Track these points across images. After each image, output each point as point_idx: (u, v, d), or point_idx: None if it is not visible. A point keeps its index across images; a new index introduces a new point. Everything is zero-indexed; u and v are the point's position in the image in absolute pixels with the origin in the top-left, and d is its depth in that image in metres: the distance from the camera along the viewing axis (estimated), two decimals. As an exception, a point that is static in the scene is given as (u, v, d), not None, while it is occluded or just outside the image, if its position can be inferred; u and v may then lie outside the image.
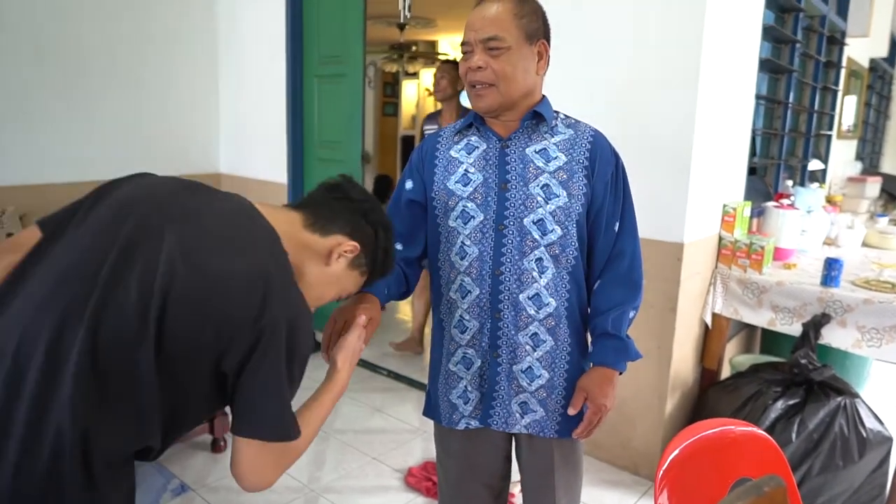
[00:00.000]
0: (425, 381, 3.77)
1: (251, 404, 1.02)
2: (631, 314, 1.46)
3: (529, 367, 1.43)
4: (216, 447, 2.87)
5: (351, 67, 3.82)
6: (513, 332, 1.42)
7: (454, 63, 3.65)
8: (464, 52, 1.37)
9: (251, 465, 1.04)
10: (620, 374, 1.44)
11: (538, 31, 1.37)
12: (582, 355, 1.49)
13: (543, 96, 1.44)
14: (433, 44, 10.07)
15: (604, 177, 1.41)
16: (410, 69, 10.19)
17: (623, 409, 2.76)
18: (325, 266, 1.19)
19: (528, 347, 1.42)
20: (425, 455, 2.88)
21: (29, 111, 3.64)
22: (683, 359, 2.74)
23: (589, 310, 1.50)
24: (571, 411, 1.40)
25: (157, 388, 0.98)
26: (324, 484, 2.66)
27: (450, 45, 10.00)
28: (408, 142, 10.73)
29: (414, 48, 9.62)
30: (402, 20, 5.22)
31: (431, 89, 10.57)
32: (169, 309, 0.97)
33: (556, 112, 1.45)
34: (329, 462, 2.82)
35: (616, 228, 1.45)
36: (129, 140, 4.11)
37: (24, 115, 3.61)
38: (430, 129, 3.71)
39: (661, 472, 1.18)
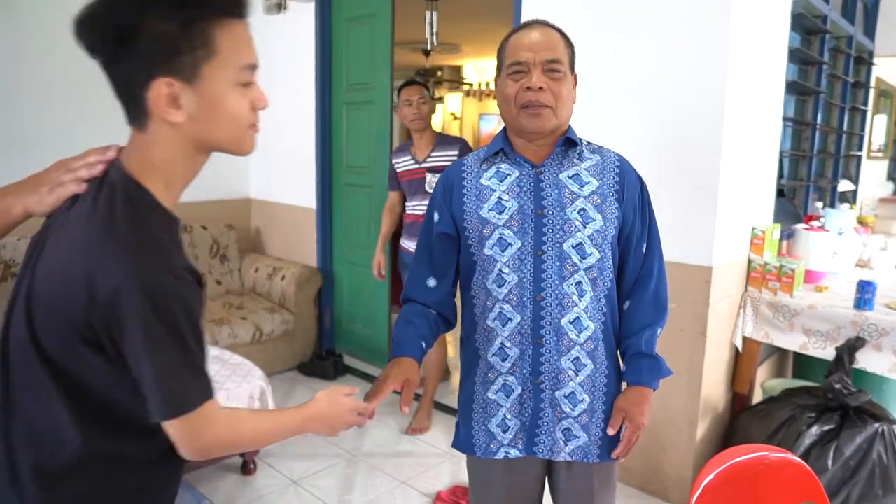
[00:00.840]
0: (454, 405, 3.75)
1: (146, 385, 0.95)
2: (659, 332, 1.51)
3: (572, 392, 1.43)
4: (246, 469, 2.90)
5: (379, 94, 3.89)
6: (555, 358, 1.41)
7: (427, 87, 3.44)
8: (515, 72, 1.37)
9: (178, 441, 0.99)
10: (654, 391, 1.47)
11: (573, 63, 1.43)
12: (617, 376, 1.51)
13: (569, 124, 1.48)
14: (458, 69, 10.19)
15: (632, 199, 1.46)
16: (436, 94, 10.30)
17: (654, 435, 2.73)
18: (160, 134, 1.04)
19: (570, 372, 1.42)
20: (454, 479, 2.88)
21: (69, 138, 3.75)
22: (714, 383, 2.71)
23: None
24: (611, 432, 1.43)
25: (55, 388, 0.98)
26: (352, 507, 2.67)
27: (475, 69, 10.11)
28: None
29: (439, 73, 9.74)
30: (429, 47, 5.31)
31: (456, 114, 10.66)
32: (34, 311, 0.99)
33: (580, 139, 1.48)
34: (358, 485, 2.83)
35: (643, 249, 1.50)
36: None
37: (59, 138, 3.70)
38: (403, 161, 3.36)
39: (695, 498, 1.17)
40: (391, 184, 3.48)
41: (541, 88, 1.35)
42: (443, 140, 3.35)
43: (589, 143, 1.49)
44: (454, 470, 2.96)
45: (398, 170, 3.40)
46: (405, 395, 1.32)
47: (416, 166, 3.32)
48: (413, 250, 2.92)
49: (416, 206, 3.34)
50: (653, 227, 1.51)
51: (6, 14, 3.46)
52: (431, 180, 3.24)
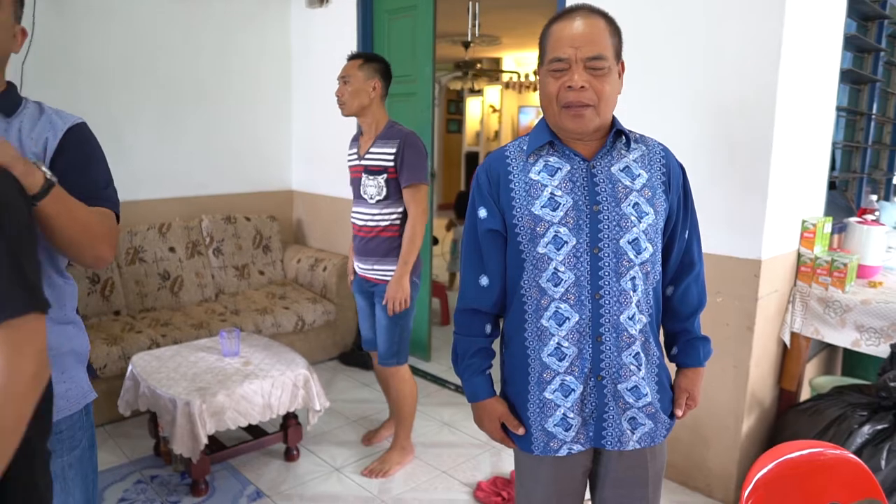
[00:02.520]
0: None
1: None
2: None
3: (636, 385, 1.41)
4: (289, 456, 2.95)
5: (420, 86, 3.90)
6: (615, 354, 1.39)
7: (367, 58, 2.70)
8: (556, 69, 1.32)
9: None
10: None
11: (621, 48, 1.37)
12: (663, 362, 1.51)
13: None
14: (497, 61, 10.14)
15: (677, 189, 1.44)
16: (476, 86, 10.27)
17: (698, 430, 2.69)
18: None
19: (632, 367, 1.40)
20: (494, 470, 2.88)
21: (121, 135, 3.88)
22: (761, 379, 2.66)
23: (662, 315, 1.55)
24: (680, 414, 1.52)
25: None
26: (394, 495, 2.69)
27: (514, 61, 10.05)
28: (472, 158, 10.81)
29: (478, 65, 9.71)
30: (469, 39, 5.29)
31: (495, 106, 10.63)
32: None
33: (624, 127, 1.44)
34: (399, 474, 2.85)
35: (686, 236, 1.50)
36: (209, 161, 4.32)
37: (117, 138, 3.85)
38: (350, 153, 2.80)
39: (747, 492, 1.15)
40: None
41: (582, 87, 1.29)
42: (387, 133, 2.66)
43: (631, 131, 1.45)
44: (494, 461, 2.96)
45: (347, 163, 2.81)
46: (511, 424, 1.49)
47: (357, 162, 2.72)
48: (360, 270, 2.75)
49: (355, 215, 2.75)
50: (693, 217, 1.52)
51: (57, 2, 3.56)
52: (365, 183, 2.66)
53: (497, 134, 10.75)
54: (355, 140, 2.81)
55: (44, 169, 1.13)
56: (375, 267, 2.72)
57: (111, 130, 3.82)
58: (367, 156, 2.67)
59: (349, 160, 2.81)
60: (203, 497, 2.66)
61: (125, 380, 2.85)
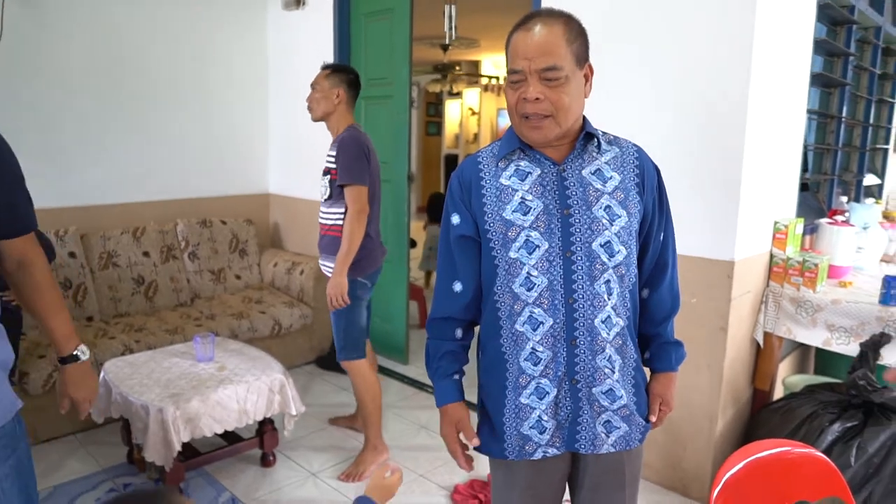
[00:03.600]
0: (472, 399, 3.73)
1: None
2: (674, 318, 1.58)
3: (610, 388, 1.41)
4: (266, 462, 2.92)
5: (397, 89, 3.89)
6: (590, 357, 1.39)
7: (334, 69, 2.87)
8: (513, 81, 1.32)
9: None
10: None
11: (585, 53, 1.34)
12: (640, 364, 1.51)
13: (583, 115, 1.42)
14: (476, 64, 10.16)
15: (651, 191, 1.44)
16: (454, 89, 10.28)
17: (673, 430, 2.71)
18: None
19: (606, 370, 1.40)
20: (471, 473, 2.88)
21: (93, 137, 3.82)
22: (734, 379, 2.69)
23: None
24: (653, 419, 1.51)
25: None
26: (371, 500, 2.67)
27: (493, 64, 10.08)
28: (451, 161, 10.82)
29: (457, 68, 9.72)
30: (447, 41, 5.29)
31: (474, 109, 10.65)
32: None
33: (596, 130, 1.43)
34: (375, 478, 2.83)
35: (661, 237, 1.50)
36: (184, 163, 4.27)
37: (87, 143, 3.80)
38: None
39: (716, 492, 1.16)
40: None
41: (537, 99, 1.29)
42: (338, 137, 2.81)
43: (604, 133, 1.45)
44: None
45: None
46: (466, 434, 1.48)
47: (328, 165, 2.84)
48: (327, 270, 2.86)
49: (323, 215, 2.88)
50: (668, 217, 1.51)
51: (28, 1, 3.50)
52: (321, 185, 2.82)
53: (476, 136, 10.78)
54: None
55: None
56: (324, 263, 2.89)
57: (82, 132, 3.77)
58: (327, 158, 2.82)
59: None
60: (177, 504, 2.62)
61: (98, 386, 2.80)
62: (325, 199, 2.82)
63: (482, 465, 2.93)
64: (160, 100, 4.09)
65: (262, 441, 2.90)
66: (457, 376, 1.52)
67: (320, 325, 4.18)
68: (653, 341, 1.56)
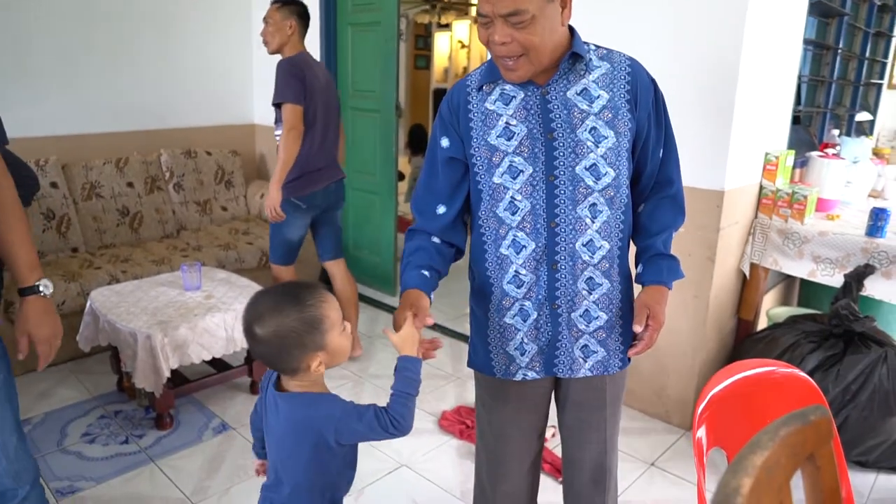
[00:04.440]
0: (458, 329, 3.75)
1: None
2: (674, 234, 1.51)
3: (586, 310, 1.42)
4: (254, 389, 2.96)
5: (385, 15, 3.76)
6: (570, 281, 1.39)
7: (283, 4, 2.92)
8: (483, 23, 1.27)
9: None
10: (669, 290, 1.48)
11: None
12: (632, 291, 1.50)
13: (571, 30, 1.35)
14: (466, -6, 9.86)
15: (646, 106, 1.38)
16: (443, 20, 10.01)
17: (657, 358, 2.75)
18: None
19: (584, 293, 1.41)
20: (458, 400, 2.93)
21: (68, 63, 3.69)
22: (720, 309, 2.72)
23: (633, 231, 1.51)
24: (637, 328, 1.38)
25: None
26: (360, 426, 2.72)
27: (483, -6, 9.76)
28: (440, 95, 10.61)
29: (447, -2, 9.43)
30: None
31: (463, 42, 10.38)
32: None
33: (587, 44, 1.37)
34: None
35: (660, 155, 1.45)
36: (167, 92, 4.15)
37: (63, 67, 3.66)
38: None
39: (701, 408, 1.18)
40: None
41: (504, 43, 1.24)
42: (278, 66, 2.90)
43: (598, 47, 1.39)
44: (459, 391, 3.01)
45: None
46: (419, 320, 1.31)
47: None
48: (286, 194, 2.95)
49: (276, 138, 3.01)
50: (669, 131, 1.45)
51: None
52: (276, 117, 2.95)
53: (466, 70, 10.55)
54: None
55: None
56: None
57: (62, 59, 3.63)
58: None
59: None
60: (168, 430, 2.66)
61: (84, 315, 2.79)
62: (275, 122, 2.97)
63: (468, 392, 2.98)
64: (141, 26, 3.94)
65: (250, 369, 2.92)
66: (426, 272, 1.43)
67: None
68: (644, 254, 1.50)
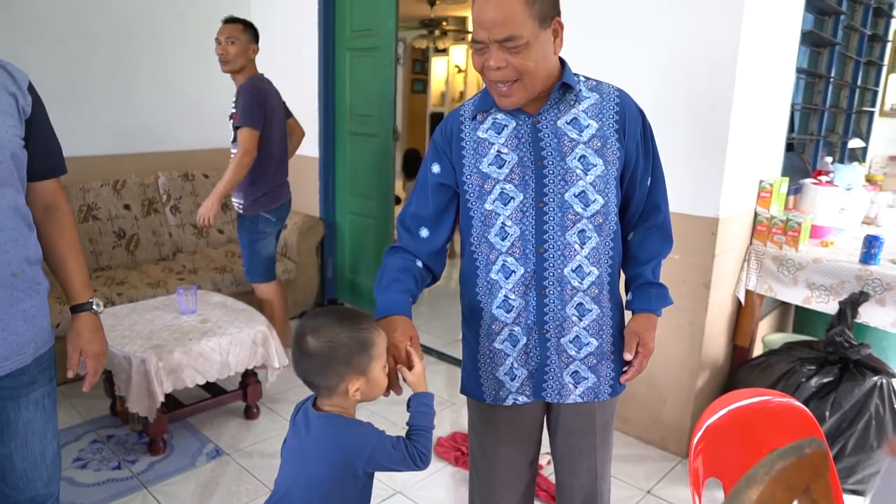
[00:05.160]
0: (454, 354, 3.74)
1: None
2: (662, 261, 1.55)
3: (577, 336, 1.43)
4: (249, 414, 2.94)
5: (383, 40, 3.81)
6: (559, 307, 1.41)
7: (246, 25, 3.08)
8: (478, 50, 1.29)
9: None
10: (658, 318, 1.52)
11: (550, 9, 1.28)
12: (623, 318, 1.51)
13: (562, 62, 1.38)
14: (463, 20, 9.98)
15: (634, 136, 1.41)
16: (440, 45, 10.12)
17: (653, 385, 2.75)
18: None
19: (574, 318, 1.42)
20: (453, 426, 2.91)
21: (67, 85, 3.71)
22: (715, 336, 2.72)
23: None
24: (628, 356, 1.41)
25: None
26: (354, 451, 2.70)
27: (480, 20, 9.87)
28: (436, 119, 10.69)
29: (444, 24, 9.55)
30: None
31: (460, 67, 10.49)
32: None
33: (577, 75, 1.41)
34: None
35: (648, 183, 1.48)
36: (164, 114, 4.18)
37: (61, 88, 3.69)
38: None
39: (697, 437, 1.18)
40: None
41: (499, 68, 1.26)
42: (243, 88, 3.04)
43: (587, 79, 1.42)
44: (454, 417, 3.00)
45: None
46: (414, 350, 1.31)
47: (232, 110, 3.11)
48: (237, 204, 3.18)
49: (232, 156, 3.10)
50: (656, 160, 1.49)
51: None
52: (230, 127, 3.09)
53: (462, 94, 10.63)
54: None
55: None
56: (234, 199, 3.22)
57: (60, 81, 3.66)
58: (232, 107, 3.10)
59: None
60: (161, 455, 2.63)
61: (78, 338, 2.78)
62: (232, 142, 3.09)
63: (464, 419, 2.96)
64: (140, 47, 3.97)
65: (245, 394, 2.91)
66: (410, 298, 1.42)
67: (304, 280, 4.17)
68: (633, 282, 1.53)
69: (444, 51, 10.46)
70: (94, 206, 3.72)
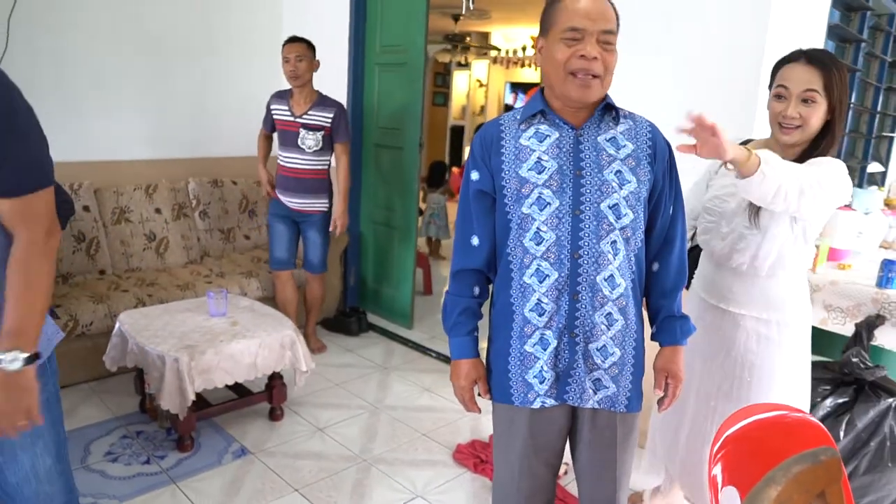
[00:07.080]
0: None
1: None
2: (682, 293, 1.64)
3: (604, 345, 1.50)
4: (274, 415, 3.02)
5: (412, 56, 3.92)
6: (590, 312, 1.47)
7: (308, 43, 3.52)
8: (570, 38, 1.39)
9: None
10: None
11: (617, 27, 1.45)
12: (643, 331, 1.58)
13: None
14: (485, 35, 10.10)
15: (662, 163, 1.52)
16: (463, 60, 10.23)
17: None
18: None
19: (602, 326, 1.49)
20: (473, 434, 2.98)
21: (106, 91, 3.85)
22: (732, 353, 2.76)
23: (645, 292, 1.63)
24: (658, 392, 1.58)
25: None
26: (375, 455, 2.78)
27: (503, 37, 10.02)
28: (457, 132, 10.80)
29: (467, 39, 9.67)
30: (464, 12, 5.30)
31: (482, 81, 10.58)
32: None
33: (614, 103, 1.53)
34: (381, 435, 2.94)
35: (671, 211, 1.57)
36: (197, 122, 4.30)
37: (101, 95, 3.82)
38: (280, 109, 3.58)
39: (717, 446, 1.24)
40: (266, 123, 3.73)
41: (595, 58, 1.38)
42: (322, 101, 3.55)
43: (621, 108, 1.53)
44: (473, 425, 3.06)
45: (274, 116, 3.63)
46: (482, 387, 1.61)
47: (292, 119, 3.54)
48: (285, 202, 3.62)
49: (288, 160, 3.58)
50: (678, 193, 1.58)
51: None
52: (304, 137, 3.50)
53: (483, 109, 10.76)
54: (283, 98, 3.60)
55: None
56: (308, 201, 3.59)
57: (98, 88, 3.79)
58: (306, 116, 3.51)
59: (280, 115, 3.58)
60: (189, 452, 2.72)
61: (112, 336, 2.88)
62: (316, 151, 3.52)
63: (483, 427, 3.03)
64: (175, 56, 4.10)
65: (270, 395, 2.99)
66: (474, 334, 1.60)
67: (328, 287, 4.25)
68: (658, 315, 1.63)
69: (467, 65, 10.58)
70: (127, 208, 3.84)
